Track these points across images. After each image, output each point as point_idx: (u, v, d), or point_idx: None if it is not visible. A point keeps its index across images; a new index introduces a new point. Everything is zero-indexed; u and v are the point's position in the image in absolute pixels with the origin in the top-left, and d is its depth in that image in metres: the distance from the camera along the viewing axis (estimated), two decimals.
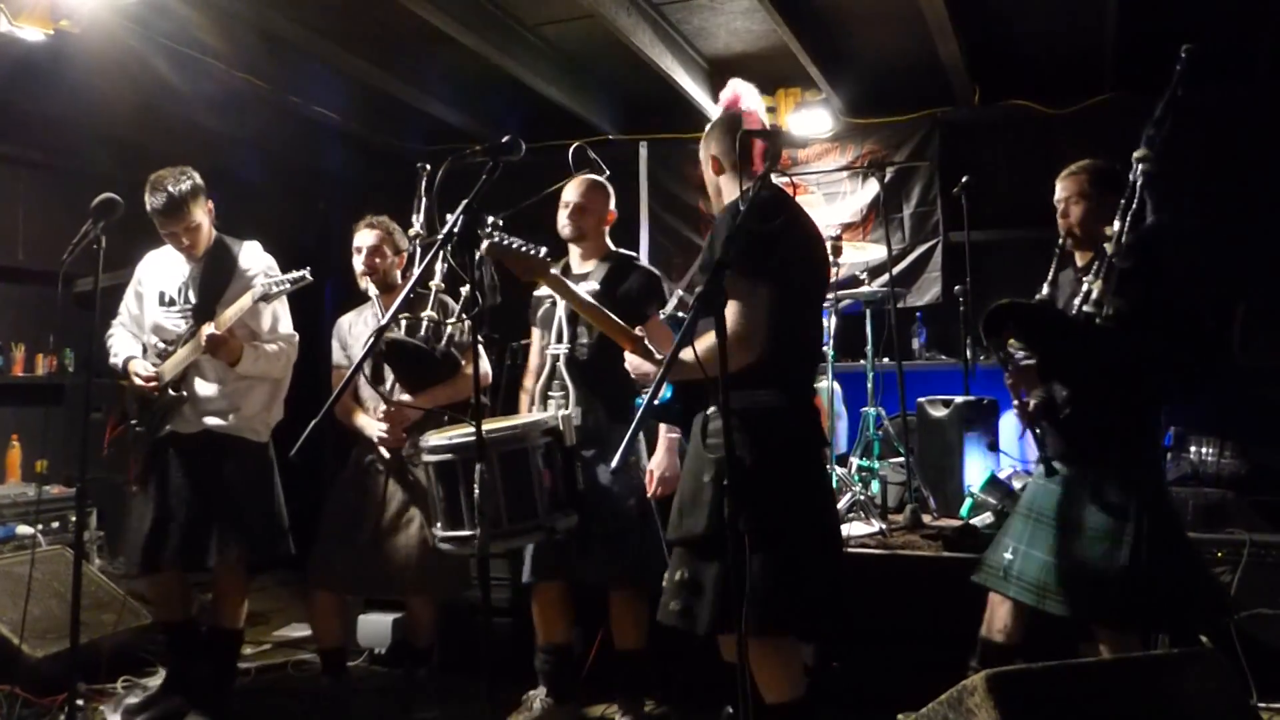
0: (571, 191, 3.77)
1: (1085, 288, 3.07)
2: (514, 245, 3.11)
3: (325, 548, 3.79)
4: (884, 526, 4.49)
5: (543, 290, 3.75)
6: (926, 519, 4.70)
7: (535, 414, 3.60)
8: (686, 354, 2.79)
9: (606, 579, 3.62)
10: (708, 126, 3.04)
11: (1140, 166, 3.01)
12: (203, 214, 3.78)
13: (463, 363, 3.81)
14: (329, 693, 3.90)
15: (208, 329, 3.61)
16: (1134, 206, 3.01)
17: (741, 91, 2.98)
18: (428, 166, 3.96)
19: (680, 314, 3.01)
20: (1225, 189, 5.59)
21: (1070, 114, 5.88)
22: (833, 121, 6.20)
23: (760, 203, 2.54)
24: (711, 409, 2.78)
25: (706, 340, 2.75)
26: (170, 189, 3.67)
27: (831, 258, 4.95)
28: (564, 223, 3.76)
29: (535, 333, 3.91)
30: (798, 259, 2.78)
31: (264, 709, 4.13)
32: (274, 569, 5.72)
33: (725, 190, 2.97)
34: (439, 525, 3.29)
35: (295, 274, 3.65)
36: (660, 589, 2.90)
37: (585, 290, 3.45)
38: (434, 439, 3.31)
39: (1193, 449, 4.95)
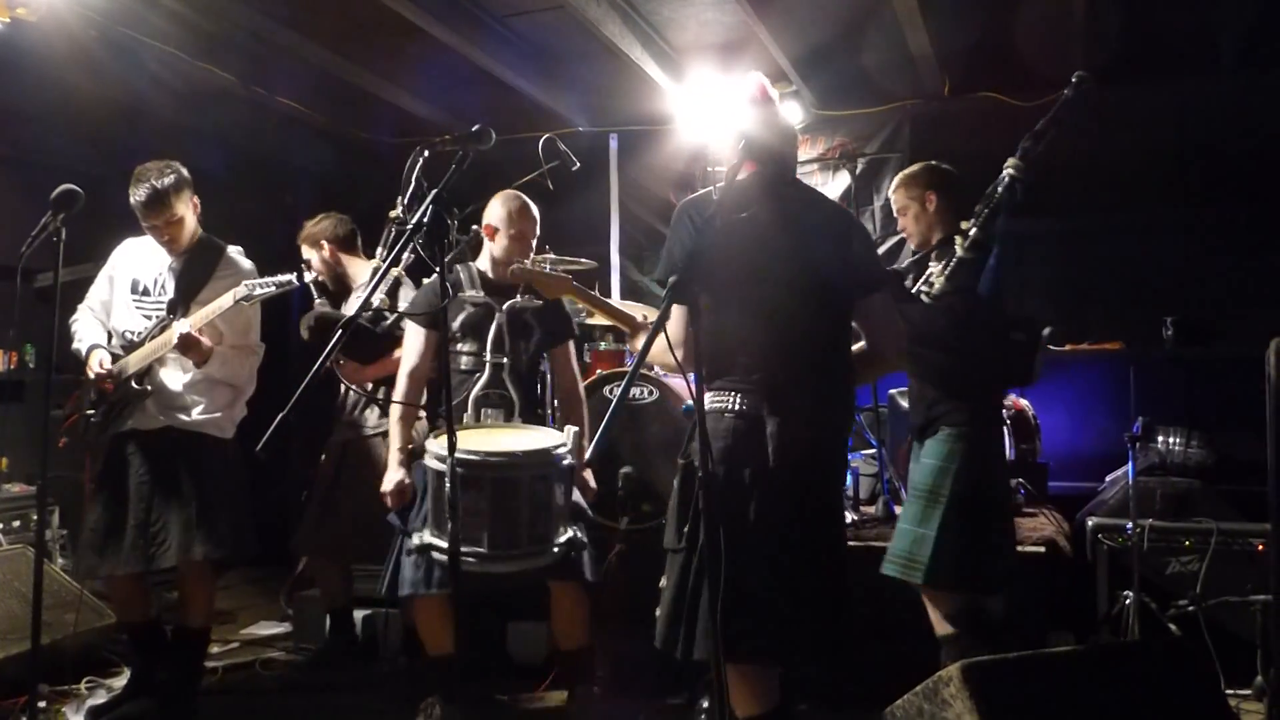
0: (514, 221, 3.67)
1: (929, 271, 3.29)
2: (541, 268, 3.14)
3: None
4: (856, 518, 4.50)
5: (468, 294, 3.66)
6: (899, 510, 4.71)
7: (549, 432, 3.53)
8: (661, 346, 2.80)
9: (546, 574, 3.55)
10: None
11: (1008, 174, 3.22)
12: (185, 208, 3.74)
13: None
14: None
15: (181, 326, 3.56)
16: (990, 207, 3.19)
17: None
18: (426, 153, 3.91)
19: None
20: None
21: (1039, 106, 5.88)
22: (804, 113, 6.19)
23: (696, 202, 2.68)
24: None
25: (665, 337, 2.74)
26: (154, 182, 3.64)
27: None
28: (509, 257, 3.66)
29: (424, 334, 3.68)
30: (750, 261, 2.66)
31: (232, 708, 4.08)
32: (240, 567, 5.66)
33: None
34: (485, 543, 3.19)
35: (282, 277, 3.62)
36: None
37: (528, 305, 3.66)
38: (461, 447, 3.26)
39: (1160, 439, 5.00)
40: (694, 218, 2.66)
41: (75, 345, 3.80)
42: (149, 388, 3.70)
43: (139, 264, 3.84)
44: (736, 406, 2.60)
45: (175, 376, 3.74)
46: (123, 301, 3.81)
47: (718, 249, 2.53)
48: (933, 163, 3.49)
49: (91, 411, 3.73)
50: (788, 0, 5.07)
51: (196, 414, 3.74)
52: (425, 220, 2.38)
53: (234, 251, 3.87)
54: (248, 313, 3.80)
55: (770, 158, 2.78)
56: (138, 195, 3.64)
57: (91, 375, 3.69)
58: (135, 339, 3.74)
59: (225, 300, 3.59)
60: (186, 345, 3.58)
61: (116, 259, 3.90)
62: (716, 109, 5.91)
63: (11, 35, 4.27)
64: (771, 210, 2.72)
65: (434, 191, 2.40)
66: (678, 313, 2.56)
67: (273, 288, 3.61)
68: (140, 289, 3.80)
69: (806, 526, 2.63)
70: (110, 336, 3.82)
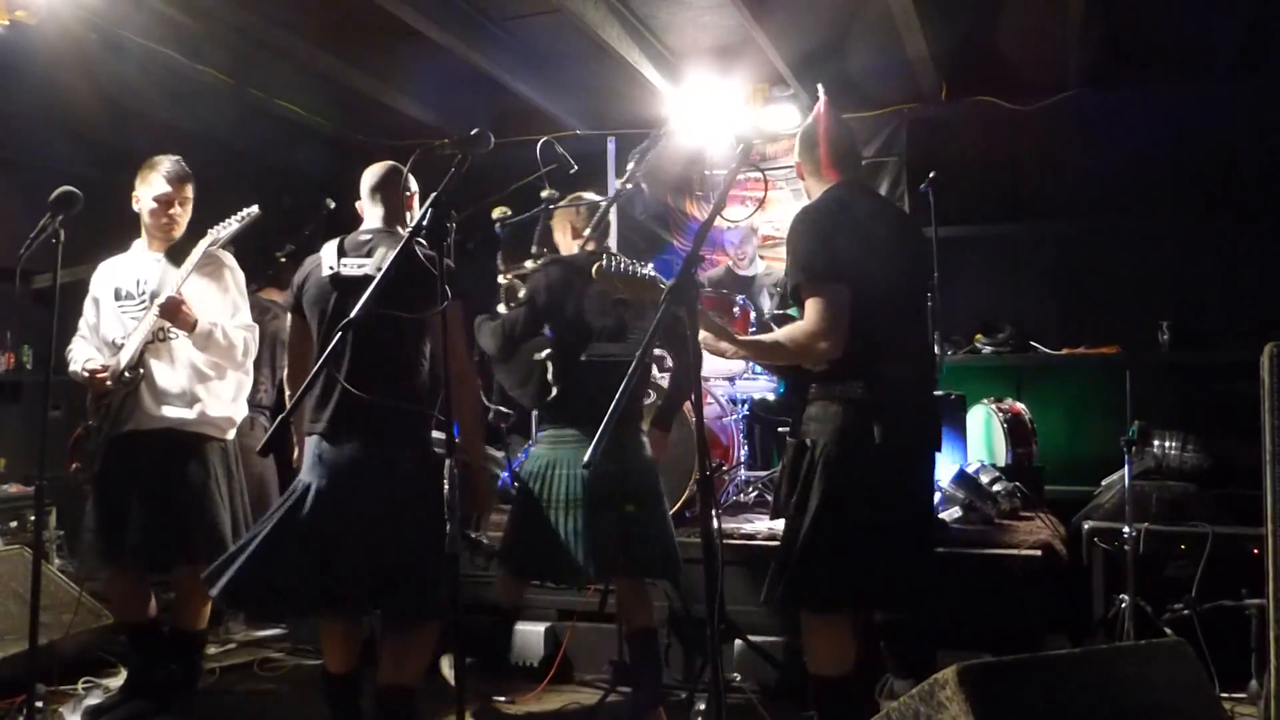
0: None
1: None
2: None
3: None
4: None
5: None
6: None
7: None
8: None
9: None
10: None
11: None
12: (190, 195, 3.84)
13: None
14: None
15: (163, 294, 3.59)
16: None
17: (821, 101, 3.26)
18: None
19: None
20: None
21: (1035, 110, 5.92)
22: (801, 117, 6.21)
23: (821, 207, 2.95)
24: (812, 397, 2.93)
25: (783, 332, 2.94)
26: (176, 162, 3.77)
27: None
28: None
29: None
30: (868, 257, 2.85)
31: (229, 709, 4.08)
32: None
33: (810, 193, 3.18)
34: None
35: (242, 211, 3.68)
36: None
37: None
38: None
39: (1156, 443, 5.00)
40: (827, 218, 2.89)
41: (72, 369, 3.78)
42: (141, 371, 3.68)
43: (117, 275, 3.84)
44: (851, 394, 2.83)
45: (172, 373, 3.73)
46: (109, 311, 3.81)
47: (858, 245, 2.81)
48: None
49: (90, 420, 3.74)
50: (786, 4, 5.09)
51: (196, 409, 3.74)
52: (424, 223, 2.38)
53: (215, 248, 3.88)
54: (233, 293, 3.84)
55: (856, 166, 3.20)
56: (165, 168, 3.74)
57: (85, 374, 3.68)
58: (124, 341, 3.73)
59: (196, 252, 3.63)
60: (169, 310, 3.58)
61: (96, 280, 3.89)
62: (713, 112, 5.94)
63: (11, 38, 4.27)
64: (887, 214, 3.17)
65: (433, 195, 2.41)
66: (845, 295, 2.77)
67: (235, 225, 3.67)
68: (123, 294, 3.80)
69: (906, 498, 2.91)
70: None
